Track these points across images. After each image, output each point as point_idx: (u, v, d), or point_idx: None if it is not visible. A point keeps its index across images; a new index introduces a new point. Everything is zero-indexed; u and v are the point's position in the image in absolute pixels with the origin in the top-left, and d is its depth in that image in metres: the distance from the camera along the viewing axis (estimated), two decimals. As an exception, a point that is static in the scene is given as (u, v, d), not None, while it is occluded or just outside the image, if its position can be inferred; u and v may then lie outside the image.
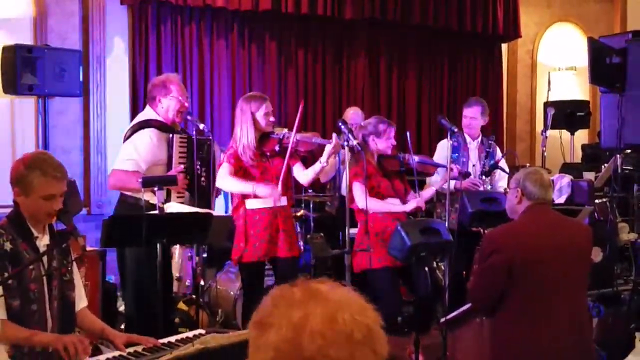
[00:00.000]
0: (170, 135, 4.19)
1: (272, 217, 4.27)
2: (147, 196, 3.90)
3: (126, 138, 4.22)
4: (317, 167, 4.28)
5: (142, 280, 4.08)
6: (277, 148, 4.26)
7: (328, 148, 4.17)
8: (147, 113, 4.30)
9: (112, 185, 4.23)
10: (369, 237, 4.42)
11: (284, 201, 4.32)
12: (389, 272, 4.40)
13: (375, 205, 4.44)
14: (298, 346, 1.10)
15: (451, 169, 4.63)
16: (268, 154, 4.30)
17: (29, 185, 2.66)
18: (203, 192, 4.30)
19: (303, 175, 4.38)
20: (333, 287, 1.19)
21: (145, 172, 4.09)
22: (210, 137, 4.38)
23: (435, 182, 4.96)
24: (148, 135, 4.13)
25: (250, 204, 4.27)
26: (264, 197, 4.19)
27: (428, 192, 4.80)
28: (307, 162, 4.60)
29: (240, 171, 4.27)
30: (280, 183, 4.20)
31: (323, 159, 4.19)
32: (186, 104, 4.31)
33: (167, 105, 4.22)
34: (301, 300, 1.15)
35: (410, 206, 4.50)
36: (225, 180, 4.25)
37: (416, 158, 4.62)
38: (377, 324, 1.18)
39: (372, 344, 1.14)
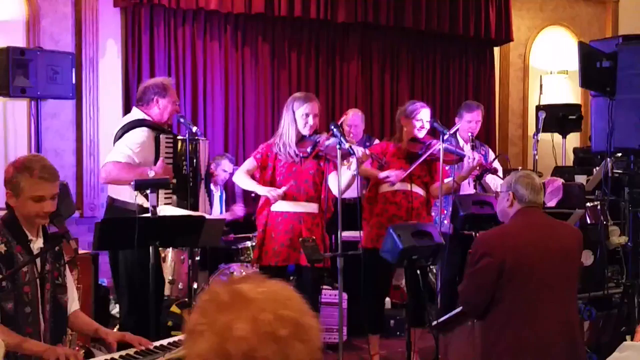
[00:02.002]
0: (158, 135, 4.22)
1: (296, 222, 4.25)
2: (139, 200, 3.94)
3: (118, 137, 4.23)
4: (347, 175, 4.17)
5: (135, 283, 4.08)
6: (309, 150, 4.23)
7: (354, 158, 4.06)
8: (135, 115, 4.31)
9: (104, 178, 4.19)
10: (371, 217, 4.62)
11: (311, 208, 4.30)
12: (376, 254, 4.41)
13: (366, 169, 4.56)
14: (225, 353, 1.10)
15: (473, 158, 4.64)
16: (301, 155, 4.27)
17: (18, 186, 2.68)
18: (190, 191, 4.32)
19: (336, 185, 4.26)
20: (257, 284, 1.19)
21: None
22: (197, 137, 4.38)
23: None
24: (141, 134, 4.16)
25: (275, 206, 4.27)
26: (262, 194, 4.26)
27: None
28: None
29: (269, 168, 4.31)
30: (287, 186, 4.21)
31: (352, 167, 4.11)
32: (178, 109, 4.41)
33: (163, 106, 4.26)
34: (227, 304, 1.15)
35: (382, 174, 4.56)
36: (239, 176, 4.38)
37: (444, 145, 4.59)
38: (305, 314, 1.17)
39: (301, 336, 1.14)
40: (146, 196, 4.02)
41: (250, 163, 4.35)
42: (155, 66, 6.56)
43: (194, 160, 4.37)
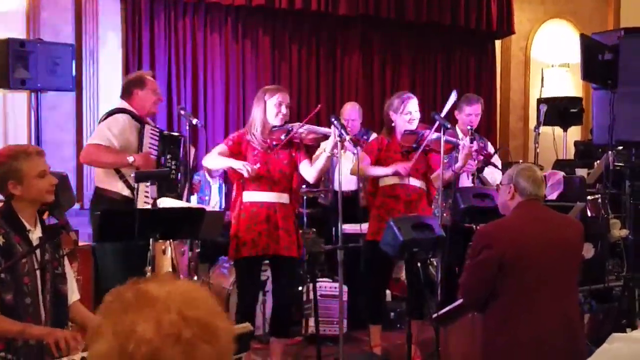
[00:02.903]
0: (142, 125, 4.34)
1: (271, 212, 4.19)
2: (119, 188, 4.17)
3: (100, 122, 4.42)
4: (322, 157, 4.18)
5: (118, 277, 4.14)
6: (282, 137, 4.17)
7: (332, 138, 4.06)
8: (119, 105, 4.47)
9: (83, 159, 4.37)
10: (371, 210, 4.63)
11: (284, 198, 4.25)
12: (376, 247, 4.41)
13: (369, 170, 4.57)
14: (127, 355, 1.06)
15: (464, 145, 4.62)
16: (274, 143, 4.21)
17: (20, 172, 2.70)
18: (171, 185, 4.40)
19: (310, 171, 4.28)
20: (163, 283, 1.15)
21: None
22: (185, 135, 4.51)
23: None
24: (121, 118, 4.29)
25: (247, 196, 4.22)
26: (237, 169, 4.13)
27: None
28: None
29: (237, 156, 4.22)
30: (258, 164, 4.14)
31: (328, 148, 4.09)
32: (161, 98, 4.55)
33: (142, 98, 4.37)
34: (131, 304, 1.11)
35: (390, 169, 4.53)
36: (210, 157, 4.31)
37: (435, 135, 4.57)
38: (214, 315, 1.13)
39: (208, 337, 1.10)
40: (131, 187, 4.19)
41: (220, 147, 4.27)
42: (156, 58, 6.55)
43: (179, 155, 4.44)
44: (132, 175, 3.93)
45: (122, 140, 4.22)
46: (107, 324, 1.10)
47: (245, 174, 4.11)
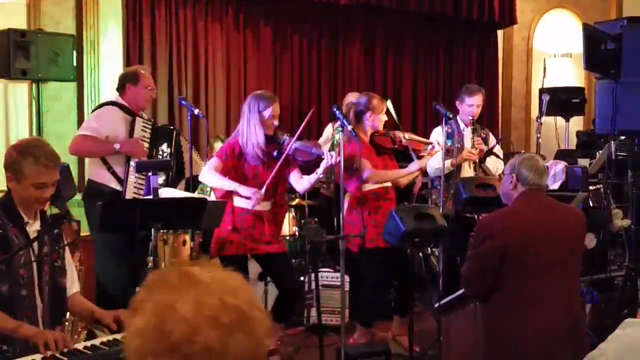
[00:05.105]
0: (133, 118, 4.41)
1: (257, 219, 4.21)
2: (106, 179, 4.27)
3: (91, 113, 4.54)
4: (312, 178, 4.21)
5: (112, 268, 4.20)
6: (275, 153, 4.17)
7: (324, 162, 4.07)
8: (114, 99, 4.58)
9: (71, 149, 4.38)
10: (362, 218, 4.47)
11: (268, 206, 4.25)
12: (380, 252, 4.43)
13: (385, 175, 4.55)
14: (164, 332, 1.07)
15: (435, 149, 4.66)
16: (264, 158, 4.19)
17: (21, 172, 2.65)
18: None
19: (299, 183, 4.32)
20: (207, 268, 1.17)
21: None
22: (177, 128, 4.68)
23: (432, 165, 4.99)
24: (110, 110, 4.39)
25: (238, 201, 4.20)
26: (245, 196, 4.12)
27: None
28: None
29: (232, 171, 4.16)
30: (265, 187, 4.11)
31: (320, 170, 4.09)
32: (153, 95, 4.61)
33: (134, 93, 4.44)
34: (174, 285, 1.12)
35: (413, 167, 4.56)
36: (208, 175, 4.17)
37: (406, 135, 4.59)
38: (252, 306, 1.14)
39: (244, 327, 1.10)
40: (118, 179, 4.28)
41: (216, 162, 4.18)
42: (157, 48, 6.54)
43: (171, 148, 4.48)
44: (133, 165, 3.94)
45: (108, 132, 4.28)
46: (149, 300, 1.11)
47: (254, 203, 4.11)
